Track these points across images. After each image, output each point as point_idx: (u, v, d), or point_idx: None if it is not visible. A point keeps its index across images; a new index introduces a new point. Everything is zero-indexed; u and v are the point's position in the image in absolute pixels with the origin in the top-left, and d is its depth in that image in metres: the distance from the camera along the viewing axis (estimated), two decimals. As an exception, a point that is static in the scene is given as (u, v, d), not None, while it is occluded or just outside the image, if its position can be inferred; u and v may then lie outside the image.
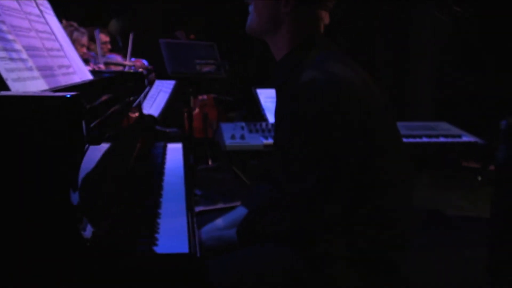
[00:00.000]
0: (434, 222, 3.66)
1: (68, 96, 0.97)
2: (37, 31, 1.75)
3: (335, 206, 1.51)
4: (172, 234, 1.30)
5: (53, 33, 1.93)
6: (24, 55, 1.49)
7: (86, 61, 4.04)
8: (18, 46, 1.49)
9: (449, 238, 3.41)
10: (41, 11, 1.93)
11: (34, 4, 1.91)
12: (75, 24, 4.20)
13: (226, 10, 5.63)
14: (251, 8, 1.75)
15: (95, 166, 1.62)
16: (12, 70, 1.34)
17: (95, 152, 1.78)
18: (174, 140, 2.56)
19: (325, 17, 1.73)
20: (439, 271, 2.90)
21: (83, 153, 1.01)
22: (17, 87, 1.31)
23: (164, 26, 5.28)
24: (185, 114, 5.22)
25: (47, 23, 1.92)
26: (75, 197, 0.98)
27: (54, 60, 1.77)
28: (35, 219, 0.94)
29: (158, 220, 1.40)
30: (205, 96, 5.30)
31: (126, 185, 1.71)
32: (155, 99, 3.68)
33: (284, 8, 1.65)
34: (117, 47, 4.88)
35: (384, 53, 5.87)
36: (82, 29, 4.22)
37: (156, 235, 1.29)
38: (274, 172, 1.85)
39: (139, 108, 2.54)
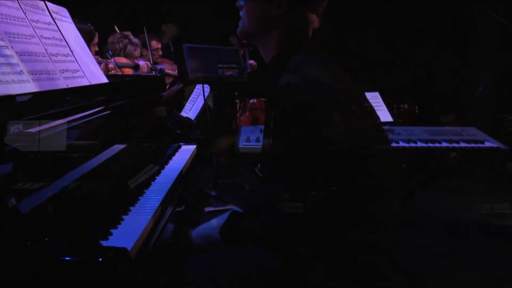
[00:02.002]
0: (475, 231, 3.50)
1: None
2: (41, 37, 1.87)
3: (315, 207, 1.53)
4: (127, 231, 1.36)
5: (63, 39, 2.06)
6: (14, 60, 1.61)
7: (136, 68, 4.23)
8: (9, 51, 1.61)
9: (489, 247, 3.25)
10: (54, 18, 2.07)
11: (46, 12, 2.04)
12: (130, 35, 4.36)
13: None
14: (242, 13, 1.78)
15: (99, 164, 1.73)
16: (-7, 74, 1.46)
17: (109, 151, 1.90)
18: (195, 142, 2.63)
19: (315, 21, 1.73)
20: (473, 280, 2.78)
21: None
22: (-5, 89, 1.43)
23: (218, 32, 5.39)
24: (237, 117, 5.34)
25: (58, 30, 2.05)
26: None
27: (57, 64, 1.89)
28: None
29: (124, 216, 1.47)
30: (255, 100, 5.36)
31: (118, 182, 1.79)
32: (195, 103, 3.79)
33: (275, 11, 1.67)
34: (169, 52, 5.04)
35: (443, 58, 5.66)
36: (135, 40, 4.37)
37: (112, 230, 1.35)
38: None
39: (159, 110, 2.64)
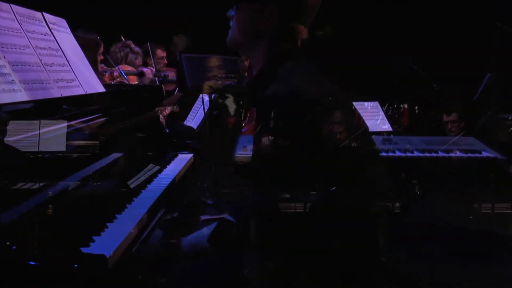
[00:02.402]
0: (473, 237, 3.48)
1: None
2: (36, 47, 1.91)
3: None
4: (110, 238, 1.38)
5: (60, 49, 2.09)
6: (6, 70, 1.65)
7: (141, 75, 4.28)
8: (1, 61, 1.65)
9: (487, 253, 3.23)
10: (51, 29, 2.11)
11: (43, 23, 2.09)
12: (131, 44, 4.40)
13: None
14: (232, 23, 1.81)
15: (94, 172, 1.76)
16: (-17, 83, 1.50)
17: (105, 160, 1.93)
18: (192, 150, 2.65)
19: (303, 32, 1.75)
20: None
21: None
22: (-16, 98, 1.46)
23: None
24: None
25: (55, 40, 2.09)
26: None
27: (52, 74, 1.92)
28: None
29: (109, 224, 1.49)
30: (261, 109, 5.34)
31: (109, 189, 1.81)
32: (197, 112, 3.82)
33: (265, 22, 1.70)
34: (175, 61, 5.07)
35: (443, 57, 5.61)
36: (137, 49, 4.41)
37: (95, 237, 1.37)
38: None
39: (156, 118, 2.67)
